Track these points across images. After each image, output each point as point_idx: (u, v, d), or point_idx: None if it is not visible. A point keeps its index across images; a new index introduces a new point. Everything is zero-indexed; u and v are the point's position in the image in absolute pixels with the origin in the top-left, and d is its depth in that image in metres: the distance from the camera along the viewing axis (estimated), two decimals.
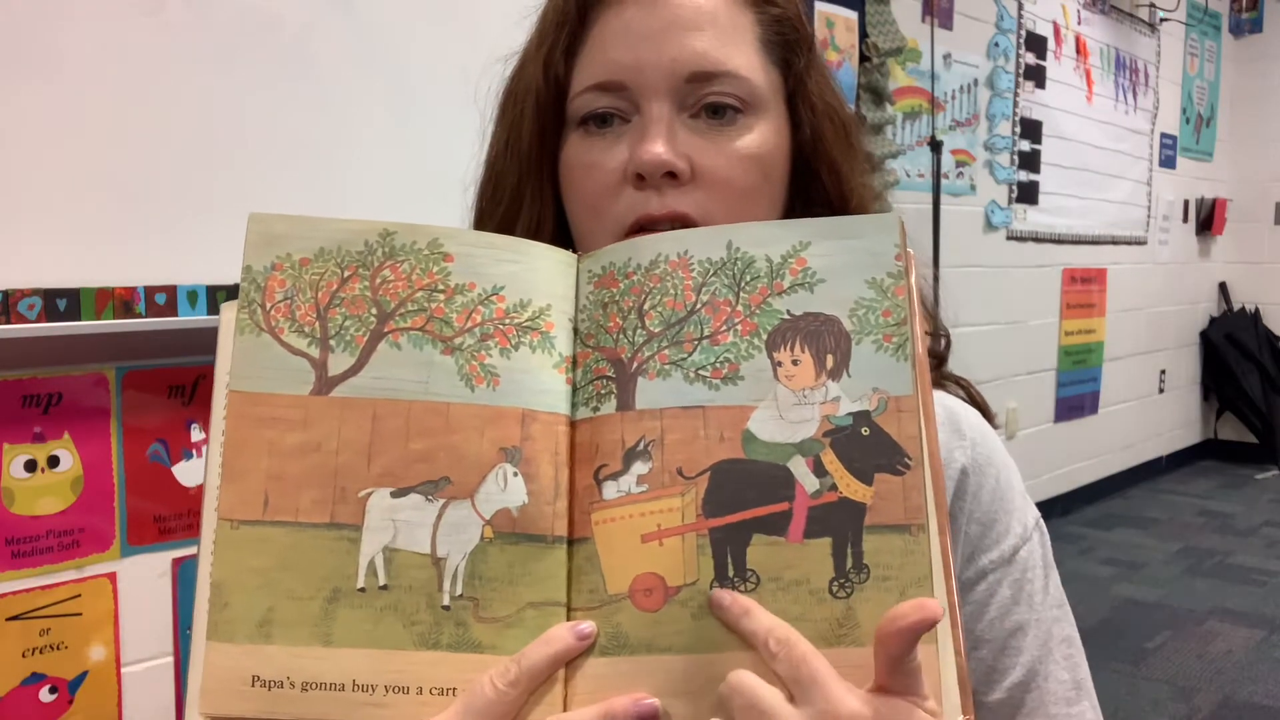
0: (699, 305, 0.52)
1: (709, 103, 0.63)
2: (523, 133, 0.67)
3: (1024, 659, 0.66)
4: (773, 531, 0.49)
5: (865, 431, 0.50)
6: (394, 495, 0.50)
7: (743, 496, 0.50)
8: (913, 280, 0.52)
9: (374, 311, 0.52)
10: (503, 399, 0.51)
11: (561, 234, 0.67)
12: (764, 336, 0.51)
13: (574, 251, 0.56)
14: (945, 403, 0.70)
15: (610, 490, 0.50)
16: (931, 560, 0.48)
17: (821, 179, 0.67)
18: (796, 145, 0.67)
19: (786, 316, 0.51)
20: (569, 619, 0.49)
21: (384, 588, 0.49)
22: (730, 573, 0.49)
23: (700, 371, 0.51)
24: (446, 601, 0.49)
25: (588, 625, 0.49)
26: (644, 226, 0.63)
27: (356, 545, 0.50)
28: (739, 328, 0.52)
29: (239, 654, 0.49)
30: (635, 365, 0.52)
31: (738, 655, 0.48)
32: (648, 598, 0.49)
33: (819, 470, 0.49)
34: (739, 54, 0.64)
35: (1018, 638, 0.66)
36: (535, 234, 0.67)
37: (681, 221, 0.62)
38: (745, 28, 0.65)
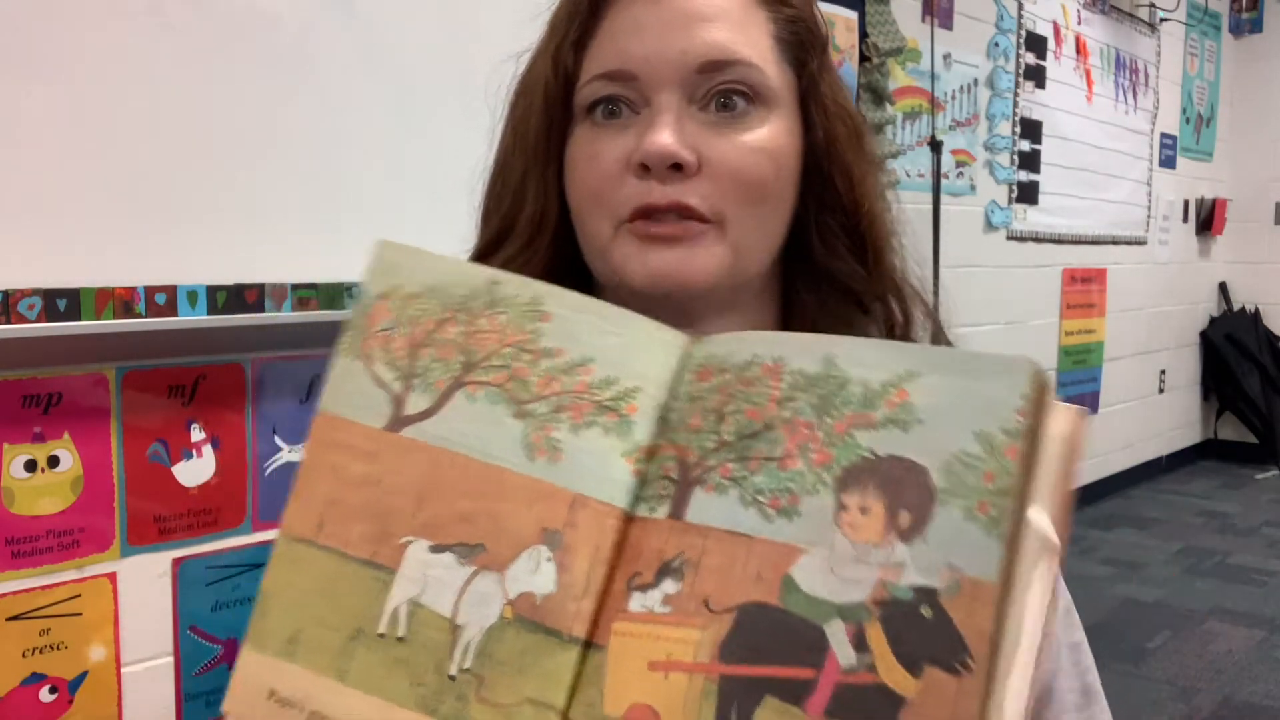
0: (777, 421, 0.46)
1: (720, 91, 0.62)
2: (530, 126, 0.66)
3: (1038, 673, 0.66)
4: (789, 698, 0.42)
5: (926, 612, 0.42)
6: (431, 549, 0.48)
7: (765, 649, 0.43)
8: (1044, 446, 0.43)
9: (461, 359, 0.50)
10: (558, 477, 0.48)
11: (565, 229, 0.67)
12: (836, 472, 0.44)
13: (677, 331, 0.51)
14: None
15: (636, 603, 0.46)
16: None
17: (834, 182, 0.66)
18: (809, 147, 0.66)
19: (868, 455, 0.44)
20: None
21: (401, 639, 0.48)
22: None
23: (758, 495, 0.45)
24: (454, 671, 0.47)
25: None
26: (645, 215, 0.61)
27: (387, 590, 0.48)
28: (812, 456, 0.45)
29: (265, 665, 0.49)
30: (697, 473, 0.47)
31: None
32: None
33: (859, 643, 0.42)
34: (751, 46, 0.63)
35: None
36: (539, 228, 0.66)
37: (684, 212, 0.61)
38: (759, 23, 0.64)
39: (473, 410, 0.49)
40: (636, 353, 0.49)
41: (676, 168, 0.61)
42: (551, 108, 0.64)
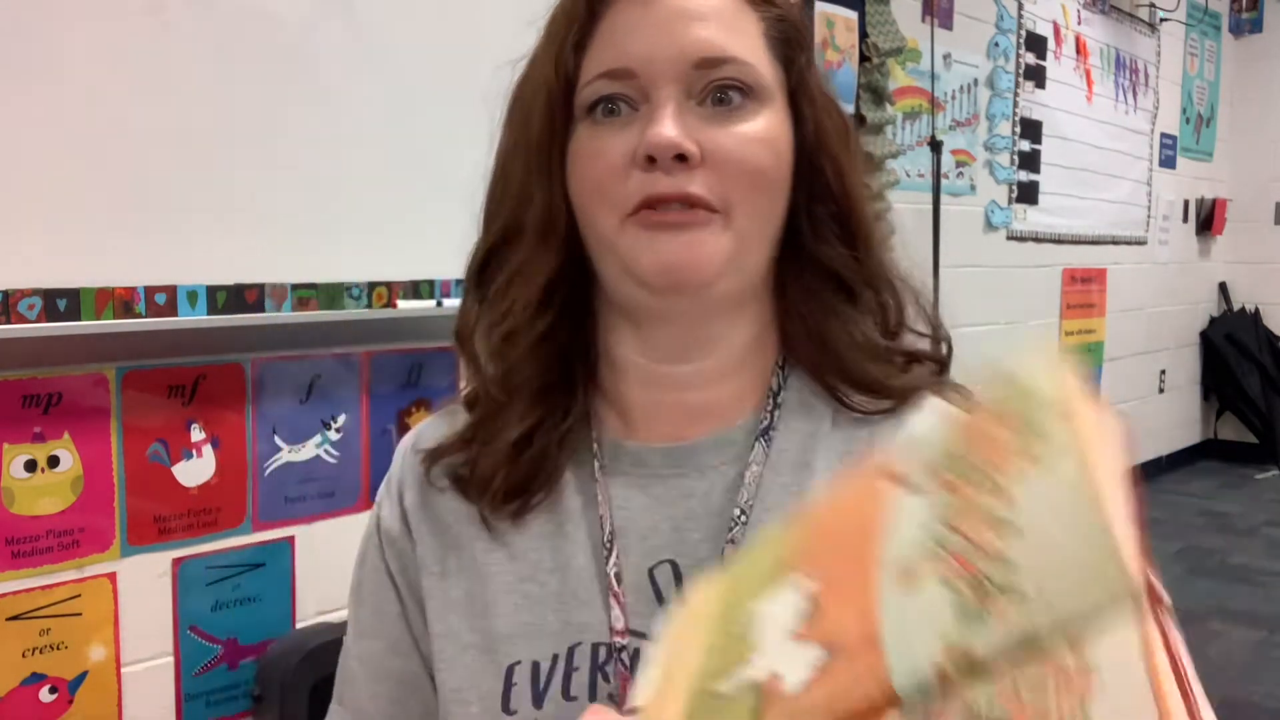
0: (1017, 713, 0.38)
1: (716, 87, 0.64)
2: (532, 128, 0.67)
3: None
4: None
5: None
6: (798, 586, 0.46)
7: None
8: None
9: (960, 449, 0.45)
10: (886, 610, 0.42)
11: (572, 230, 0.67)
12: None
13: None
14: (947, 414, 0.71)
15: None
16: None
17: (824, 173, 0.68)
18: (799, 140, 0.68)
19: None
20: None
21: (735, 635, 0.46)
22: None
23: None
24: (717, 689, 0.44)
25: None
26: (651, 207, 0.62)
27: (769, 592, 0.47)
28: None
29: (726, 575, 0.50)
30: (945, 715, 0.39)
31: None
32: None
33: None
34: (744, 43, 0.65)
35: None
36: (548, 229, 0.66)
37: (690, 201, 0.62)
38: (749, 22, 0.66)
39: (916, 498, 0.44)
40: (1063, 564, 0.39)
41: (681, 158, 0.62)
42: (554, 109, 0.65)
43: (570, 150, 0.66)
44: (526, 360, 0.68)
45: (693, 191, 0.62)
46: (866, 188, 0.71)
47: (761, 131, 0.64)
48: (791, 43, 0.68)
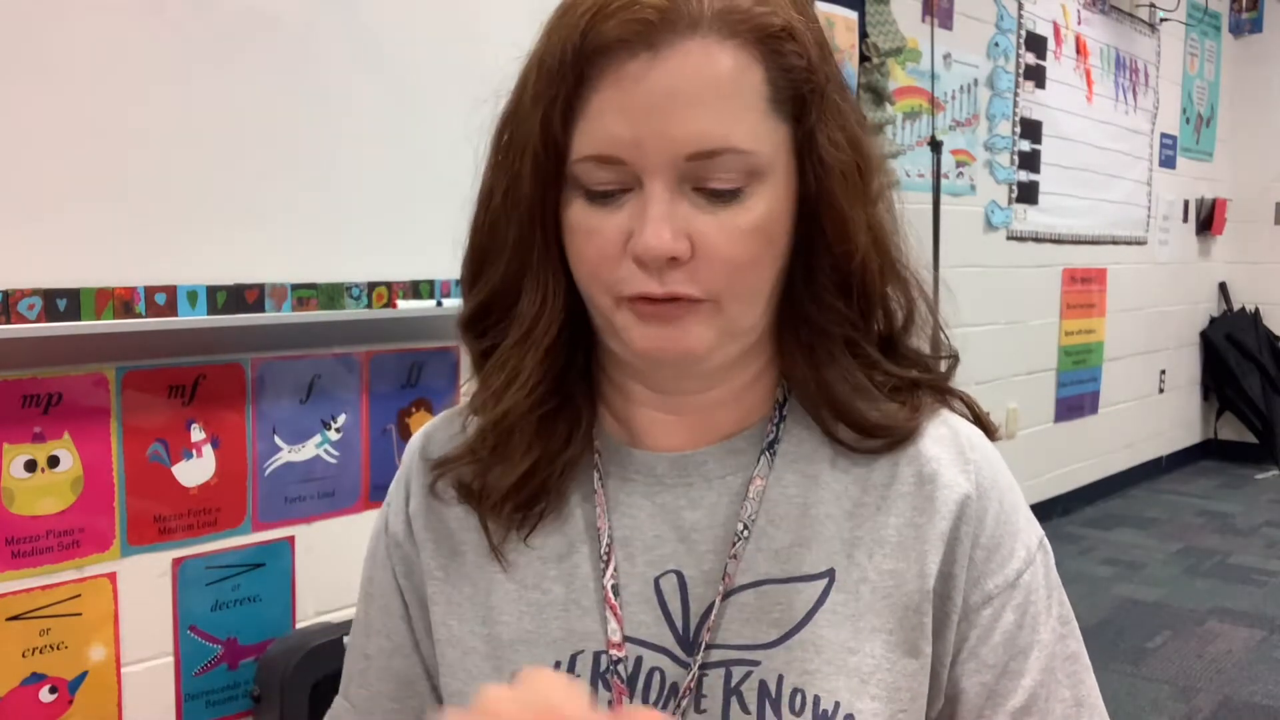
0: None
1: (709, 188, 0.61)
2: (522, 190, 0.65)
3: (1026, 682, 0.66)
4: None
5: None
6: None
7: None
8: None
9: None
10: None
11: (572, 295, 0.66)
12: None
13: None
14: (950, 423, 0.70)
15: None
16: None
17: (825, 229, 0.65)
18: (801, 195, 0.64)
19: None
20: None
21: None
22: None
23: None
24: None
25: None
26: (645, 299, 0.62)
27: None
28: None
29: None
30: None
31: None
32: None
33: None
34: (742, 125, 0.60)
35: (1020, 661, 0.66)
36: (546, 299, 0.66)
37: (681, 300, 0.62)
38: (752, 89, 0.61)
39: None
40: None
41: (672, 259, 0.61)
42: (543, 174, 0.63)
43: (565, 217, 0.64)
44: (526, 409, 0.67)
45: (682, 292, 0.61)
46: (885, 213, 0.68)
47: (756, 220, 0.61)
48: (801, 98, 0.63)
